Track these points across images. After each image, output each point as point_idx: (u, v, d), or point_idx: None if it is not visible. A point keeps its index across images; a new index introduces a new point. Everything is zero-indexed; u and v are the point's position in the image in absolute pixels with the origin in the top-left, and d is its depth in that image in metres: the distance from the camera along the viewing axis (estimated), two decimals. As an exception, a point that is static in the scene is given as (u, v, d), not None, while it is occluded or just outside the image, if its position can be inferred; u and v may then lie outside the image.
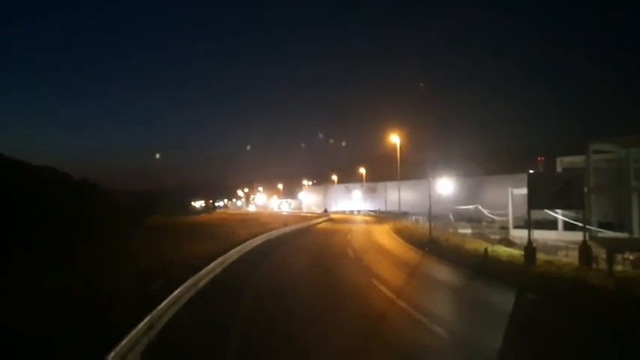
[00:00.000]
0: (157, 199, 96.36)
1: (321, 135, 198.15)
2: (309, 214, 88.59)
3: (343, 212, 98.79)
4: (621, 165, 39.57)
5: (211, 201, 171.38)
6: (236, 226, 50.91)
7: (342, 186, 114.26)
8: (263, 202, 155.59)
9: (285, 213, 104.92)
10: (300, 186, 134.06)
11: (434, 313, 12.76)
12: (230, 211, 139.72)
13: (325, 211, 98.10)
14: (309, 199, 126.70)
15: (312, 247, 32.86)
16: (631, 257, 23.89)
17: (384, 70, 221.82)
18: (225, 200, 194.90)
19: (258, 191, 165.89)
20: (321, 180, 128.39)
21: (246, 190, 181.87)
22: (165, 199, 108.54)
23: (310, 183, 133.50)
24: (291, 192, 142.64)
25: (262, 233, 37.03)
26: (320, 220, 69.68)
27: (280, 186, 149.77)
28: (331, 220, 72.84)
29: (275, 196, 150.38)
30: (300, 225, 55.19)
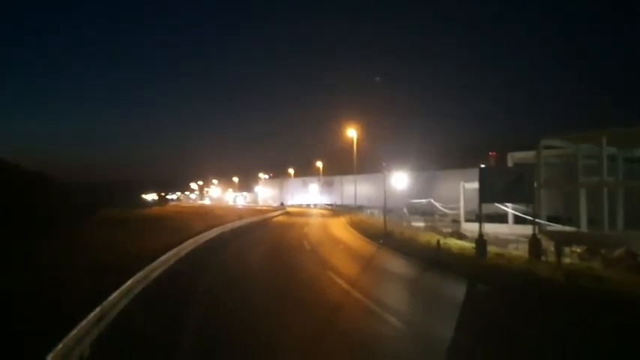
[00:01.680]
0: (108, 192, 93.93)
1: (279, 129, 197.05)
2: (265, 208, 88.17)
3: (300, 206, 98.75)
4: (570, 160, 40.76)
5: (164, 194, 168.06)
6: (190, 219, 50.23)
7: (298, 180, 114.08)
8: (218, 196, 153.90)
9: (240, 206, 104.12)
10: (257, 179, 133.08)
11: (388, 304, 12.88)
12: (183, 204, 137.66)
13: (281, 204, 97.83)
14: (265, 193, 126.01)
15: (269, 240, 32.66)
16: (578, 250, 24.62)
17: (341, 64, 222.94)
18: (179, 193, 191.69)
19: (213, 184, 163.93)
20: (277, 173, 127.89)
21: (200, 183, 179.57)
22: (116, 191, 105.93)
23: (267, 176, 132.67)
24: (247, 185, 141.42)
25: (217, 226, 36.57)
26: (276, 213, 69.45)
27: (236, 179, 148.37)
28: (287, 213, 72.71)
29: (230, 190, 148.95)
30: (256, 218, 54.81)
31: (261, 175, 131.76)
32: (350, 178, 75.03)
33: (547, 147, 40.40)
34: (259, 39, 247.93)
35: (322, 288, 15.47)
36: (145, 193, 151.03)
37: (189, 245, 23.86)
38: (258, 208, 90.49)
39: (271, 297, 13.83)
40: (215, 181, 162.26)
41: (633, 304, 11.73)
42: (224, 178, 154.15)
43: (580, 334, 9.79)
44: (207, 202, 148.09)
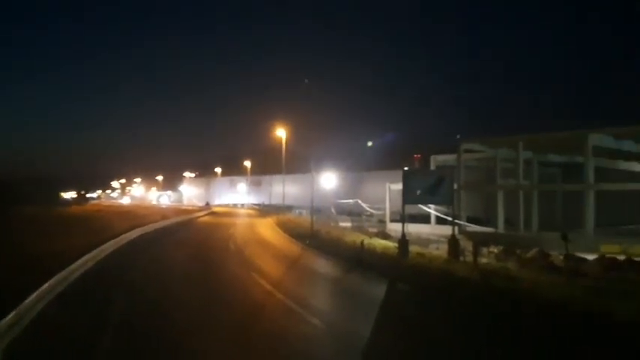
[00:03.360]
0: (21, 189, 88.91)
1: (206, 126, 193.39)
2: (190, 208, 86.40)
3: (227, 206, 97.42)
4: (489, 164, 42.47)
5: (84, 192, 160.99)
6: (112, 218, 48.42)
7: (226, 179, 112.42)
8: (141, 194, 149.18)
9: (164, 206, 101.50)
10: (182, 178, 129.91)
11: (311, 304, 13.02)
12: (104, 203, 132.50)
13: (207, 204, 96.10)
14: (190, 192, 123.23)
15: (193, 240, 32.00)
16: (495, 250, 25.56)
17: (269, 63, 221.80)
18: (99, 191, 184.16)
19: (135, 183, 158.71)
20: (204, 172, 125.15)
21: (122, 181, 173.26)
22: (30, 188, 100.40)
23: (192, 175, 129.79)
24: (171, 184, 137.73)
25: (140, 226, 35.45)
26: (202, 213, 68.26)
27: (160, 178, 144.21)
28: (213, 213, 71.61)
29: (154, 188, 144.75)
30: (180, 218, 53.62)
31: (187, 174, 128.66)
32: (279, 177, 74.79)
33: (467, 151, 41.88)
34: (187, 38, 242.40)
35: (246, 290, 15.37)
36: (64, 191, 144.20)
37: (109, 247, 22.97)
38: (183, 207, 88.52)
39: (194, 302, 13.44)
40: (138, 180, 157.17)
41: (540, 302, 12.28)
42: (148, 176, 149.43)
43: (489, 333, 10.15)
44: (126, 201, 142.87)
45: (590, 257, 22.22)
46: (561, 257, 20.26)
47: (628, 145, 36.02)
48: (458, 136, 41.88)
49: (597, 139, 33.31)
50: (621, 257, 22.61)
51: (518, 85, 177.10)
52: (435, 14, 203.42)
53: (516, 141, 37.34)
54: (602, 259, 21.91)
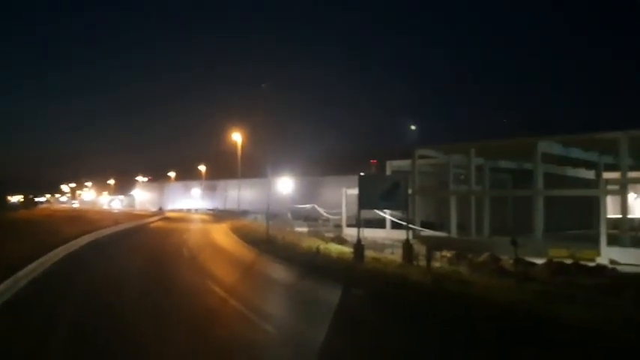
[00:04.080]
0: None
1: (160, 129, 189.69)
2: (143, 213, 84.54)
3: (180, 211, 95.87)
4: (443, 170, 43.27)
5: (31, 196, 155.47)
6: (62, 223, 46.90)
7: (180, 183, 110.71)
8: (91, 199, 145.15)
9: (116, 211, 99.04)
10: (134, 182, 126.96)
11: (264, 311, 12.93)
12: (53, 207, 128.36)
13: (160, 209, 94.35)
14: (143, 197, 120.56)
15: (145, 246, 31.32)
16: (448, 255, 26.00)
17: (228, 67, 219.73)
18: (48, 195, 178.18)
19: (86, 187, 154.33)
20: (157, 176, 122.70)
21: (72, 185, 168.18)
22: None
23: (146, 179, 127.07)
24: (124, 188, 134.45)
25: (91, 232, 34.44)
26: (155, 218, 66.91)
27: (112, 181, 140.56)
28: (167, 218, 70.31)
29: (105, 193, 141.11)
30: (132, 223, 52.44)
31: (140, 178, 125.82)
32: (234, 182, 74.16)
33: (422, 157, 42.56)
34: (141, 38, 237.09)
35: (199, 297, 15.14)
36: (10, 195, 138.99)
37: (59, 253, 22.24)
38: (136, 212, 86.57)
39: (146, 311, 13.02)
40: (88, 183, 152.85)
41: (489, 305, 12.53)
42: (99, 180, 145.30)
43: (442, 337, 10.31)
44: (76, 205, 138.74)
45: (539, 261, 22.87)
46: (511, 261, 20.75)
47: (575, 153, 37.30)
48: (413, 127, 42.27)
49: (546, 146, 34.36)
50: (568, 261, 23.38)
51: (473, 94, 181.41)
52: (391, 23, 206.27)
53: (469, 148, 38.19)
54: (550, 263, 22.55)
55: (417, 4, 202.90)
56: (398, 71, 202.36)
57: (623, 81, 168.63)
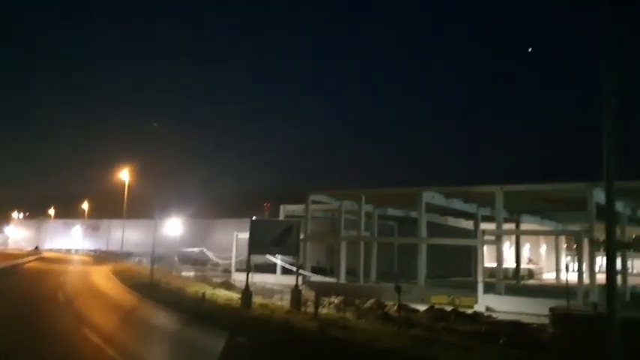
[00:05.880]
0: None
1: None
2: (17, 252, 77.92)
3: (59, 251, 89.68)
4: (334, 215, 44.07)
5: None
6: None
7: (60, 221, 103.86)
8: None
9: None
10: (9, 218, 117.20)
11: (142, 360, 12.10)
12: None
13: (37, 248, 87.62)
14: (18, 235, 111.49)
15: (17, 289, 28.68)
16: (336, 301, 26.17)
17: (118, 104, 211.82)
18: None
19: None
20: (35, 213, 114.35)
21: None
22: None
23: (22, 216, 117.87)
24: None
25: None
26: (30, 258, 61.83)
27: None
28: (44, 259, 65.29)
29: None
30: (3, 264, 47.98)
31: (15, 215, 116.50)
32: (119, 222, 70.76)
33: (315, 202, 43.17)
34: (25, 74, 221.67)
35: (74, 345, 14.15)
36: None
37: None
38: (9, 251, 79.59)
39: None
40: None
41: (372, 351, 12.69)
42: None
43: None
44: None
45: (422, 307, 23.64)
46: (396, 307, 21.26)
47: (456, 204, 39.56)
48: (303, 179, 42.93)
49: (429, 196, 36.14)
50: (449, 308, 24.38)
51: (366, 143, 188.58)
52: (275, 73, 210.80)
53: (359, 194, 39.32)
54: (431, 309, 23.40)
55: (292, 56, 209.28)
56: (290, 120, 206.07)
57: (499, 140, 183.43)
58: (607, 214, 9.44)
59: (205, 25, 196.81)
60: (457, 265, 44.22)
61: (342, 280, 38.26)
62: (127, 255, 61.47)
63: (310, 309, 21.18)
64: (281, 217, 45.96)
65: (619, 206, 32.82)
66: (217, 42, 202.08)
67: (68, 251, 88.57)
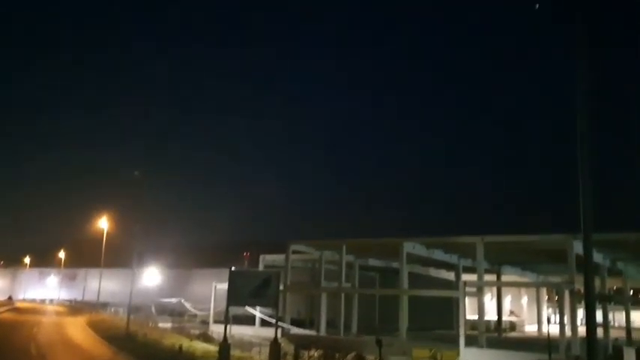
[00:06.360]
0: None
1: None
2: (-12, 302, 75.67)
3: (34, 301, 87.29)
4: (315, 265, 43.67)
5: None
6: None
7: (35, 270, 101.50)
8: None
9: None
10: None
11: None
12: None
13: (10, 298, 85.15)
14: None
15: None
16: (316, 354, 25.63)
17: (93, 150, 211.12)
18: None
19: None
20: (9, 262, 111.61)
21: None
22: None
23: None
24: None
25: None
26: (2, 309, 60.01)
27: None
28: (17, 309, 63.47)
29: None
30: (-28, 315, 46.52)
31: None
32: (96, 271, 69.31)
33: (296, 251, 42.80)
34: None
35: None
36: None
37: None
38: (-21, 303, 77.25)
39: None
40: None
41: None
42: None
43: None
44: None
45: (403, 362, 23.24)
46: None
47: (438, 255, 39.51)
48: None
49: (410, 246, 36.05)
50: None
51: (347, 193, 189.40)
52: (256, 119, 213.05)
53: (340, 244, 39.09)
54: (412, 364, 22.98)
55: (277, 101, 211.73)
56: (275, 165, 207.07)
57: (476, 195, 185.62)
58: (585, 266, 9.51)
59: (185, 72, 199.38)
60: (439, 317, 43.78)
61: (323, 332, 37.54)
62: (104, 305, 60.10)
63: (290, 362, 20.75)
64: (261, 267, 45.41)
65: (598, 258, 33.00)
66: (200, 89, 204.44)
67: (43, 301, 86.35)
